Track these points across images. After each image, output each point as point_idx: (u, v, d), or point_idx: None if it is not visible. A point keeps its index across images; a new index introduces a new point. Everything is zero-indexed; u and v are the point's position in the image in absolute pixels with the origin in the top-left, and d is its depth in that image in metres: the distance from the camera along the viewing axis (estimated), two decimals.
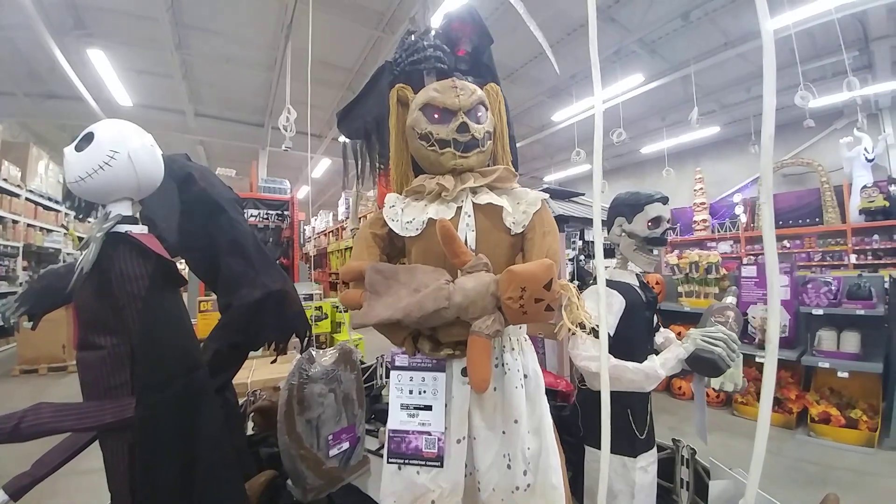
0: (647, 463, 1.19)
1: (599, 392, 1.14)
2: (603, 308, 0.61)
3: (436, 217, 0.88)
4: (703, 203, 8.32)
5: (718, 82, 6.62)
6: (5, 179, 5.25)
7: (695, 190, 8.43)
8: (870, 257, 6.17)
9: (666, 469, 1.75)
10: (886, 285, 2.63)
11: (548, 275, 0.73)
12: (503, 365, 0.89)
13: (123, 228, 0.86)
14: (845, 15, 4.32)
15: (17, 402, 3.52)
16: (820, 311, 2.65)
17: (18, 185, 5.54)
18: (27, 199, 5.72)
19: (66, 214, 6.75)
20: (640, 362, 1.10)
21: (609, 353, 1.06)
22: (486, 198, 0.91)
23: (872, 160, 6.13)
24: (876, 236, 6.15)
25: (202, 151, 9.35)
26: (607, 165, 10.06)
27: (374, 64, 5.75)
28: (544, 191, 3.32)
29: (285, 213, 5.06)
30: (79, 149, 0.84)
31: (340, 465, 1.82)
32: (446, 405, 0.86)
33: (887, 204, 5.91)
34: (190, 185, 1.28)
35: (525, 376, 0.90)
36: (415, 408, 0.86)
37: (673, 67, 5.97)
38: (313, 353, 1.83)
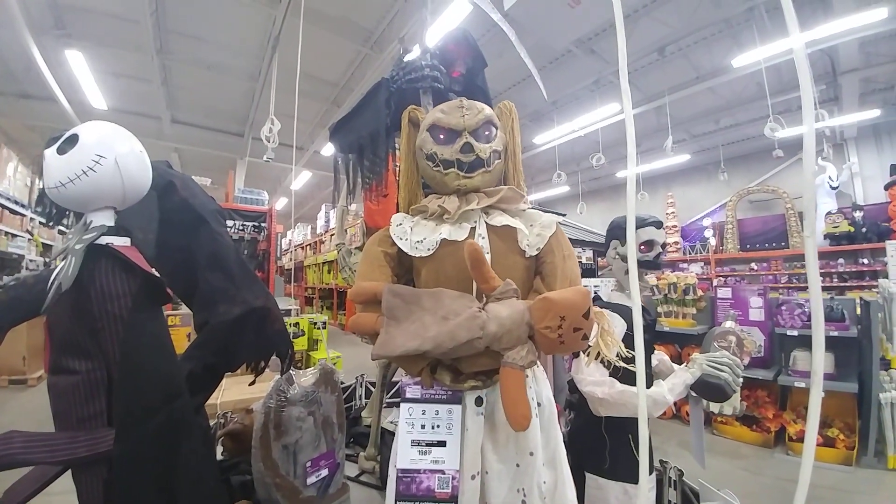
0: (647, 489, 1.17)
1: (597, 417, 1.11)
2: (639, 334, 0.59)
3: (449, 238, 0.85)
4: (675, 226, 8.69)
5: (689, 113, 7.02)
6: None
7: (667, 213, 8.79)
8: (835, 280, 6.49)
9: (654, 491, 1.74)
10: (858, 308, 2.75)
11: (586, 302, 0.70)
12: None
13: (105, 240, 0.79)
14: (815, 50, 4.67)
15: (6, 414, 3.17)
16: (795, 332, 2.75)
17: None
18: None
19: (32, 219, 6.33)
20: (645, 385, 1.09)
21: (611, 376, 1.05)
22: (500, 219, 0.89)
23: (836, 188, 6.56)
24: (841, 260, 6.47)
25: (177, 158, 9.05)
26: (584, 188, 10.38)
27: (360, 80, 5.79)
28: (532, 209, 3.36)
29: (262, 224, 4.92)
30: (61, 151, 0.77)
31: (319, 494, 1.71)
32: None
33: (852, 229, 6.27)
34: (171, 195, 1.20)
35: (539, 405, 0.87)
36: (427, 444, 0.79)
37: (647, 98, 6.28)
38: (292, 373, 1.74)
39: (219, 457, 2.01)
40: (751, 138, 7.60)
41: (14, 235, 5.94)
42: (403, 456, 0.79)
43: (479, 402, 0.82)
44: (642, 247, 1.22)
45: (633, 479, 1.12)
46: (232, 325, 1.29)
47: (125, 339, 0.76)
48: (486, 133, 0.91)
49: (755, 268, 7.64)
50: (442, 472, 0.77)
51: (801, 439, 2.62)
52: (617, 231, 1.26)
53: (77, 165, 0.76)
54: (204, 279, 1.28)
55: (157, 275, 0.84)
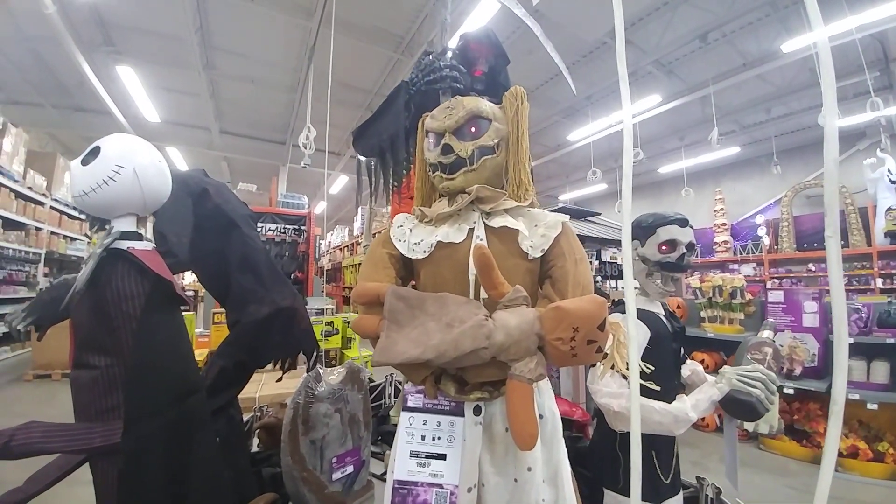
0: None
1: (612, 433, 1.05)
2: (634, 349, 0.56)
3: (445, 240, 0.83)
4: (724, 224, 8.10)
5: (737, 103, 6.55)
6: (30, 188, 5.44)
7: (715, 210, 8.24)
8: None
9: None
10: None
11: (602, 313, 0.64)
12: None
13: (126, 245, 0.85)
14: (865, 35, 4.26)
15: (28, 406, 3.58)
16: (850, 340, 2.51)
17: (44, 194, 5.73)
18: (52, 207, 5.91)
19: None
20: (668, 399, 1.01)
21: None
22: (499, 220, 0.84)
23: None
24: None
25: (226, 167, 9.66)
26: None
27: (392, 85, 5.86)
28: (559, 210, 3.28)
29: (302, 227, 5.14)
30: (85, 162, 0.83)
31: (344, 490, 1.76)
32: None
33: None
34: (205, 201, 1.29)
35: (541, 417, 0.82)
36: (426, 456, 0.75)
37: (690, 88, 5.94)
38: (320, 371, 1.80)
39: (254, 448, 2.12)
40: (806, 128, 6.98)
41: (73, 239, 6.57)
42: (401, 467, 0.75)
43: (477, 410, 0.78)
44: (664, 247, 1.13)
45: (654, 498, 1.06)
46: (261, 324, 1.36)
47: (137, 338, 0.81)
48: (472, 129, 0.87)
49: (813, 269, 7.01)
50: (440, 486, 0.72)
51: (852, 455, 2.41)
52: (637, 231, 1.18)
53: (98, 175, 0.81)
54: (235, 280, 1.36)
55: (170, 279, 0.88)
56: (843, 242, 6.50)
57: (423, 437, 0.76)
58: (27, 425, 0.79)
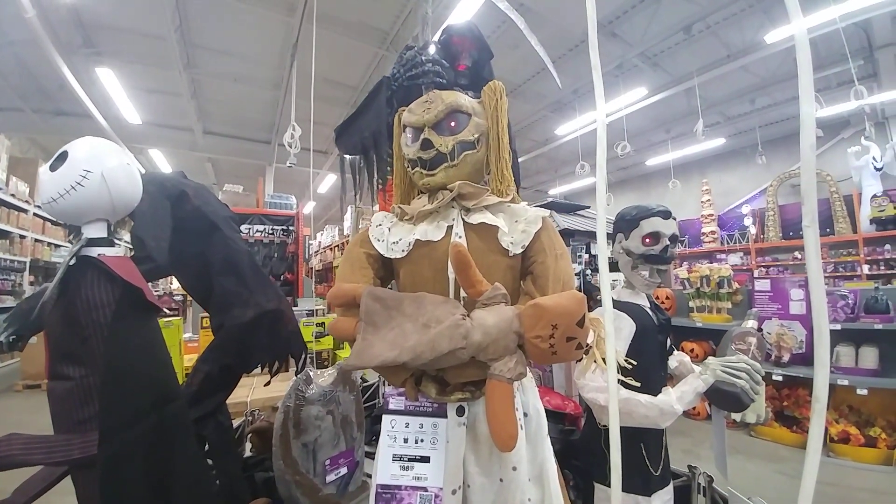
0: (663, 502, 1.10)
1: (598, 427, 1.05)
2: (610, 343, 0.55)
3: (423, 238, 0.81)
4: (711, 215, 8.23)
5: (722, 94, 6.62)
6: (13, 195, 5.31)
7: (702, 202, 8.36)
8: (882, 267, 6.08)
9: (681, 498, 1.65)
10: None
11: (581, 309, 0.64)
12: None
13: (96, 252, 0.82)
14: (849, 24, 4.32)
15: (19, 416, 3.52)
16: (837, 327, 2.56)
17: (26, 201, 5.59)
18: (35, 214, 5.77)
19: None
20: (654, 391, 1.01)
21: (620, 381, 1.00)
22: (479, 217, 0.83)
23: (881, 169, 6.08)
24: (888, 245, 6.06)
25: (210, 168, 9.50)
26: (612, 178, 10.04)
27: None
28: (548, 204, 3.27)
29: (290, 228, 5.07)
30: (53, 168, 0.80)
31: (338, 492, 1.74)
32: None
33: None
34: (184, 203, 1.25)
35: (525, 415, 0.82)
36: (409, 459, 0.74)
37: (676, 80, 5.98)
38: (310, 373, 1.78)
39: (247, 453, 2.09)
40: (790, 118, 7.09)
41: (57, 246, 6.43)
42: (383, 471, 0.74)
43: (460, 411, 0.77)
44: (647, 239, 1.13)
45: (644, 490, 1.06)
46: (246, 327, 1.33)
47: (107, 347, 0.78)
48: (451, 124, 0.84)
49: (799, 256, 7.16)
50: (425, 489, 0.72)
51: (843, 440, 2.45)
52: (621, 224, 1.18)
53: (66, 181, 0.79)
54: (218, 283, 1.33)
55: (139, 285, 0.85)
56: (828, 230, 6.66)
57: (405, 440, 0.75)
58: (7, 438, 0.76)
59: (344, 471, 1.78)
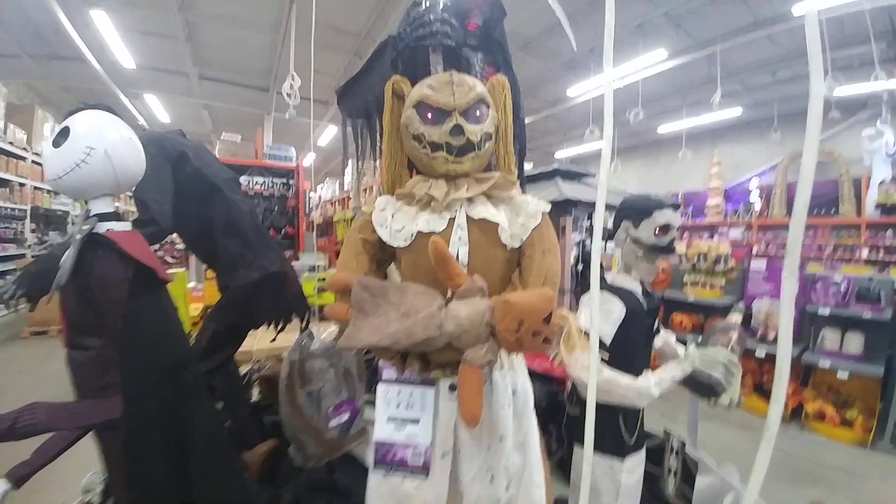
0: (634, 465, 1.19)
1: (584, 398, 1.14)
2: (594, 332, 0.58)
3: (426, 230, 0.83)
4: (718, 187, 8.09)
5: (744, 63, 6.29)
6: (11, 143, 5.23)
7: (711, 173, 8.18)
8: (882, 253, 6.07)
9: (656, 456, 1.79)
10: None
11: (547, 307, 0.68)
12: (490, 382, 0.86)
13: (104, 227, 0.84)
14: (875, 7, 4.06)
15: (27, 363, 3.61)
16: (826, 311, 2.62)
17: (24, 148, 5.51)
18: (33, 161, 5.69)
19: None
20: (637, 371, 1.08)
21: (604, 361, 1.05)
22: (481, 211, 0.84)
23: (893, 154, 5.93)
24: (890, 232, 6.02)
25: (207, 116, 9.19)
26: (621, 144, 9.76)
27: (382, 29, 5.51)
28: (555, 171, 3.19)
29: (291, 181, 5.01)
30: (56, 144, 0.80)
31: (340, 435, 1.88)
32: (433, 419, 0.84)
33: None
34: (184, 165, 1.24)
35: (514, 393, 0.88)
36: (402, 420, 0.83)
37: (698, 45, 5.65)
38: (313, 330, 1.86)
39: (255, 398, 2.23)
40: (808, 94, 6.78)
41: (57, 193, 6.38)
42: (380, 429, 0.84)
43: (452, 388, 0.84)
44: (657, 231, 1.14)
45: (619, 454, 1.16)
46: (251, 288, 1.38)
47: (126, 321, 0.83)
48: (478, 113, 0.85)
49: None
50: (415, 445, 0.81)
51: (819, 417, 2.58)
52: (630, 212, 1.19)
53: (70, 158, 0.79)
54: (223, 246, 1.36)
55: (151, 264, 0.88)
56: (833, 210, 6.60)
57: (398, 405, 0.84)
58: (31, 407, 0.82)
59: (346, 416, 1.90)
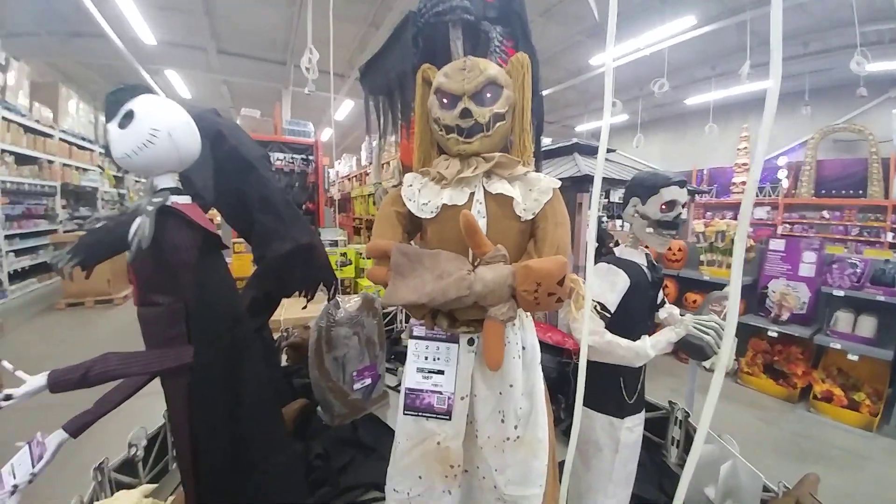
0: (634, 424, 1.28)
1: (597, 361, 1.23)
2: (587, 301, 0.65)
3: (449, 203, 0.92)
4: (746, 164, 7.71)
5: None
6: (38, 121, 5.33)
7: (738, 149, 7.81)
8: None
9: (660, 427, 1.89)
10: None
11: (561, 272, 0.79)
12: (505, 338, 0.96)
13: (169, 200, 0.95)
14: None
15: (64, 333, 3.83)
16: (841, 293, 2.59)
17: (51, 126, 5.63)
18: (61, 139, 5.84)
19: (101, 154, 6.95)
20: (637, 338, 1.16)
21: (608, 328, 1.13)
22: (498, 186, 0.93)
23: None
24: None
25: (226, 91, 9.25)
26: (645, 116, 9.40)
27: None
28: (574, 145, 3.16)
29: (310, 157, 5.07)
30: (122, 126, 0.89)
31: (363, 398, 2.06)
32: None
33: None
34: (221, 143, 1.33)
35: (523, 348, 0.99)
36: (430, 371, 0.96)
37: (728, 11, 5.33)
38: (339, 300, 1.99)
39: (283, 363, 2.41)
40: (840, 69, 6.35)
41: (85, 170, 6.56)
42: (410, 378, 0.97)
43: (471, 342, 0.95)
44: (663, 206, 1.20)
45: (619, 413, 1.25)
46: (284, 258, 1.48)
47: (195, 281, 0.95)
48: (489, 95, 0.92)
49: (826, 216, 6.92)
50: (440, 392, 0.95)
51: (826, 398, 2.59)
52: (638, 189, 1.24)
53: (137, 139, 0.88)
54: (258, 220, 1.46)
55: (214, 231, 1.00)
56: (861, 192, 6.33)
57: (426, 358, 0.97)
58: (103, 357, 0.94)
59: (368, 381, 2.08)
